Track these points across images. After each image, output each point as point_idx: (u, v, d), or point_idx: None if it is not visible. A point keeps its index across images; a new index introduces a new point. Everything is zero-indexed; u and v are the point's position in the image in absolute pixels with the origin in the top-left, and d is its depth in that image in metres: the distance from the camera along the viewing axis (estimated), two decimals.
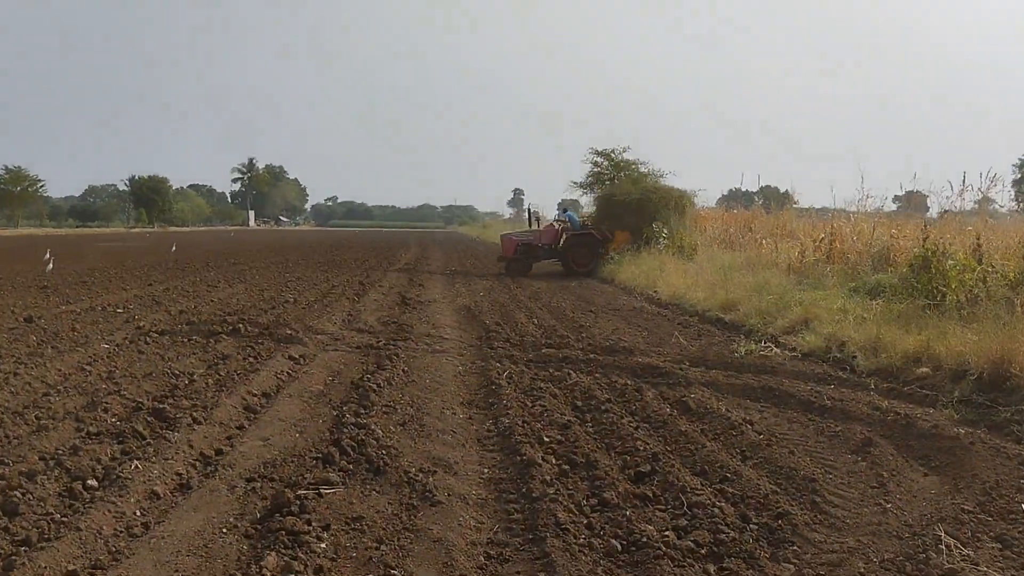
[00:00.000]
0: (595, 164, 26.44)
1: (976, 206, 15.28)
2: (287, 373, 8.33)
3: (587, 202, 27.15)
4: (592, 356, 9.48)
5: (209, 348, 9.51)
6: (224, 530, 4.17)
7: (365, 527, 4.23)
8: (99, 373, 8.03)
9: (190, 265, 24.85)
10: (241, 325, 10.90)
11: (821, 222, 17.70)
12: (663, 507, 4.68)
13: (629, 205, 22.93)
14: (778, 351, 10.05)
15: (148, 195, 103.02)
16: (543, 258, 23.64)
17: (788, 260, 15.41)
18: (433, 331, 11.29)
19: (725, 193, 55.01)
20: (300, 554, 3.75)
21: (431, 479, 4.96)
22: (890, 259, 13.00)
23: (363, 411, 6.52)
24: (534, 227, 24.97)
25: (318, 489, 4.62)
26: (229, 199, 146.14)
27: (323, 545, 3.94)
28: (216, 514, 4.39)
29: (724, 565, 3.91)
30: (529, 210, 26.41)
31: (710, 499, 4.70)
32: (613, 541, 4.12)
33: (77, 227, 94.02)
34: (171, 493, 4.75)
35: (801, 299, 11.73)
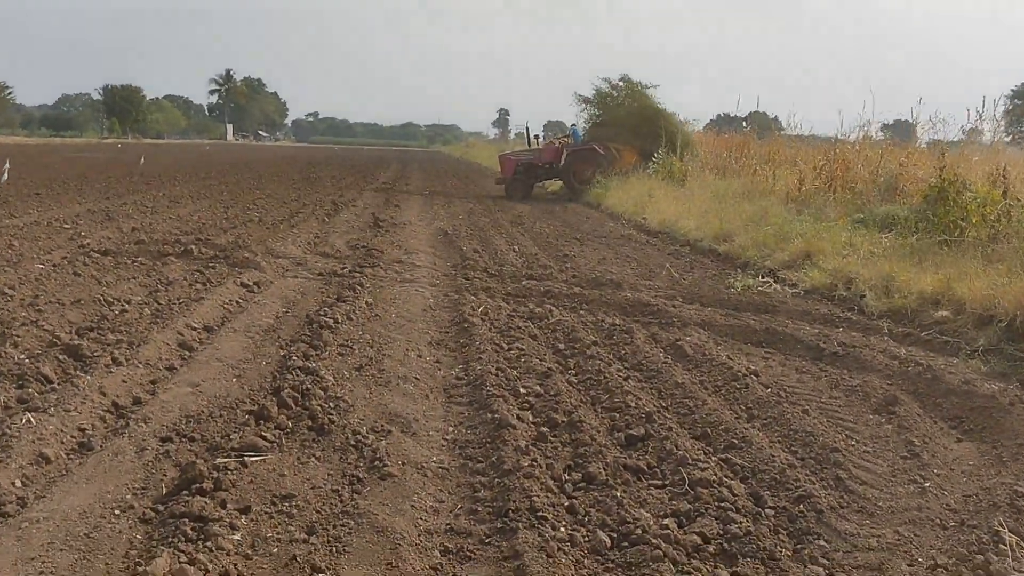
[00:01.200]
0: (606, 81, 25.05)
1: (964, 137, 14.43)
2: (236, 303, 7.44)
3: (587, 118, 25.74)
4: (577, 290, 8.65)
5: (154, 272, 8.57)
6: (117, 511, 3.34)
7: (295, 510, 3.41)
8: (22, 298, 7.09)
9: (156, 179, 23.58)
10: (195, 246, 9.94)
11: (822, 148, 16.70)
12: (660, 484, 3.90)
13: (631, 122, 22.01)
14: (778, 287, 9.28)
15: (121, 105, 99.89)
16: (544, 178, 22.67)
17: (786, 188, 14.49)
18: (405, 257, 10.40)
19: (713, 118, 53.64)
20: (201, 553, 2.93)
21: (384, 442, 4.14)
22: (899, 190, 12.12)
23: (314, 352, 5.67)
24: (533, 146, 23.82)
25: (242, 457, 3.78)
26: (207, 112, 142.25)
27: (236, 537, 3.12)
28: (112, 488, 3.56)
29: (738, 569, 3.15)
30: (527, 128, 25.16)
31: (716, 474, 3.93)
32: (600, 533, 3.33)
33: (51, 136, 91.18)
34: (65, 456, 3.90)
35: (802, 231, 10.88)
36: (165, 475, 3.70)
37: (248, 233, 11.79)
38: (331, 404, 4.63)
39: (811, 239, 10.27)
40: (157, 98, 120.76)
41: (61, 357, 5.31)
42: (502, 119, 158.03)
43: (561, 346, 6.35)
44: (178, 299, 7.31)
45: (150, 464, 3.83)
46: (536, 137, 24.67)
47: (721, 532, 3.39)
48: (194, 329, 6.35)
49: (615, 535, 3.34)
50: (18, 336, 5.68)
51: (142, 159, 33.45)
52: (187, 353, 5.77)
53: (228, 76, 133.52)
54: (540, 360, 5.84)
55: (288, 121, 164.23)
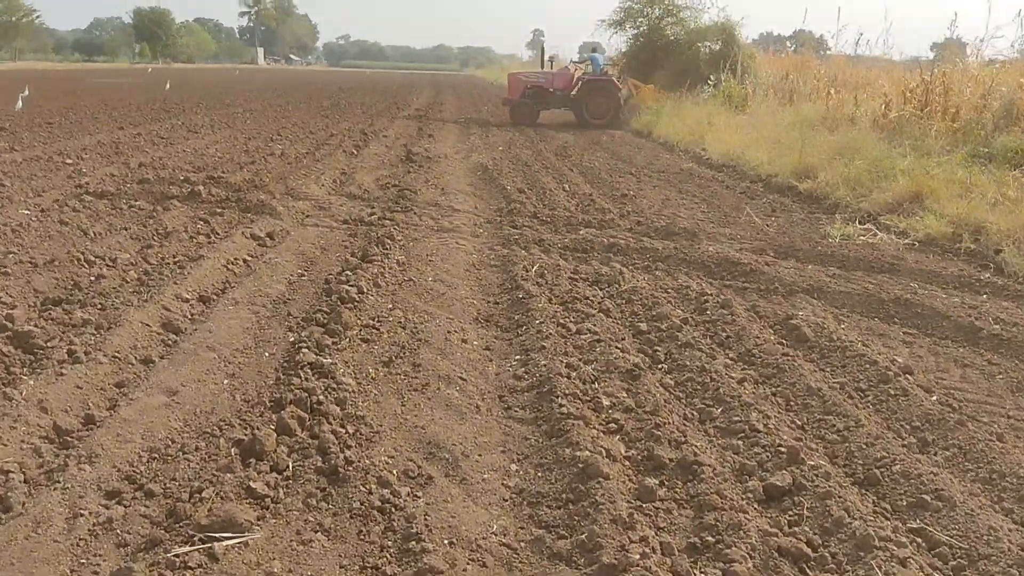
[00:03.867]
0: None
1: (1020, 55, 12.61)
2: (243, 262, 6.19)
3: (617, 43, 23.86)
4: (645, 241, 7.26)
5: (151, 220, 7.32)
6: None
7: None
8: None
9: (178, 106, 22.23)
10: (204, 186, 8.64)
11: (902, 67, 14.84)
12: None
13: (672, 51, 20.20)
14: (884, 236, 7.79)
15: (151, 29, 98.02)
16: (554, 106, 19.95)
17: (872, 115, 12.75)
18: (442, 199, 9.03)
19: (756, 37, 50.67)
20: None
21: (421, 501, 2.88)
22: (1015, 116, 10.38)
23: (330, 340, 4.40)
24: (547, 68, 21.30)
25: (212, 542, 2.54)
26: (237, 35, 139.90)
27: None
28: None
29: None
30: (543, 48, 22.69)
31: (919, 563, 2.61)
32: None
33: (83, 61, 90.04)
34: None
35: (906, 167, 9.29)
36: (96, 573, 2.47)
37: (267, 169, 10.48)
38: (349, 428, 3.38)
39: (919, 177, 8.71)
40: (187, 21, 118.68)
41: (6, 350, 4.10)
42: (536, 40, 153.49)
43: (643, 326, 5.00)
44: (173, 257, 6.09)
45: (78, 547, 2.60)
46: (550, 59, 22.12)
47: None
48: (186, 301, 5.12)
49: None
50: None
51: (167, 84, 32.15)
52: (171, 338, 4.53)
53: None
54: (620, 350, 4.50)
55: (319, 44, 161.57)
